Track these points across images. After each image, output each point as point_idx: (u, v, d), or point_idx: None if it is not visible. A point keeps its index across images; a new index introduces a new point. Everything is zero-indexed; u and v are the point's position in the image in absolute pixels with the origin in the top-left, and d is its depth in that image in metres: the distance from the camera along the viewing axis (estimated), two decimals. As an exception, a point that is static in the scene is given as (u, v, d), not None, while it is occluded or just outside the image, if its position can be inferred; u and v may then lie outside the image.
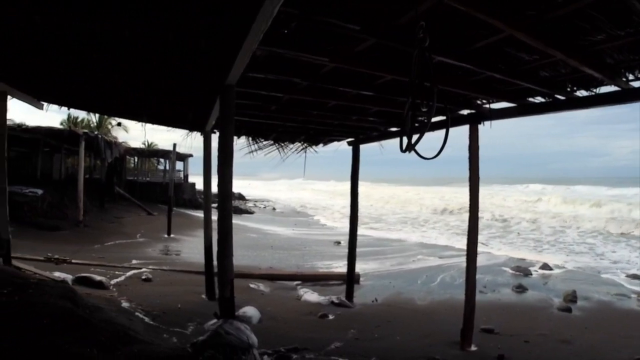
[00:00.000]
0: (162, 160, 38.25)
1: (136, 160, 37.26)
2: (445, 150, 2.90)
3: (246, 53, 3.63)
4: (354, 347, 6.03)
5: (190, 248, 15.11)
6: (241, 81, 4.62)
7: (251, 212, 33.55)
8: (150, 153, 37.14)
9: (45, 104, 7.22)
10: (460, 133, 6.27)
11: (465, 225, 6.58)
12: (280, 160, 9.95)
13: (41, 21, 3.70)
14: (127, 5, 3.32)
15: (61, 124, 30.83)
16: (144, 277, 9.33)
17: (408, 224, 27.79)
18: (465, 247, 6.50)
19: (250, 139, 9.40)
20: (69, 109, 7.72)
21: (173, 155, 23.54)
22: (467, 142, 6.32)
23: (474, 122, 6.27)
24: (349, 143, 9.56)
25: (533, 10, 3.21)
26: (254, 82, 5.19)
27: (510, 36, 3.54)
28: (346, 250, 9.89)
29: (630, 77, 4.39)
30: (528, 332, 7.19)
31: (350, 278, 9.48)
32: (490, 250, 17.28)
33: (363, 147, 9.46)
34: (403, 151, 2.85)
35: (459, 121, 6.32)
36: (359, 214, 9.83)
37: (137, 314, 6.23)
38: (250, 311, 6.79)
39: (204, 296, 8.04)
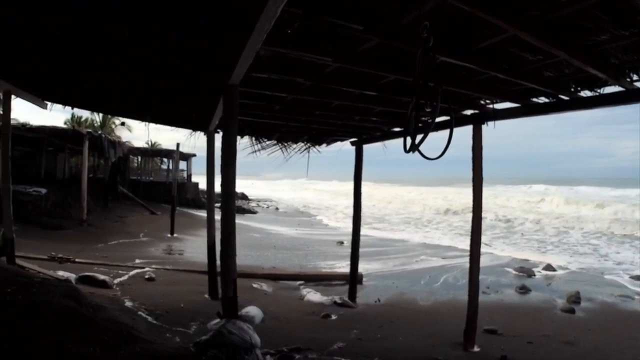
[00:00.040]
0: (165, 159, 38.32)
1: (139, 159, 37.31)
2: (449, 151, 2.89)
3: (250, 53, 3.63)
4: (356, 347, 6.03)
5: (193, 247, 15.13)
6: (245, 81, 4.63)
7: (254, 212, 33.57)
8: (153, 152, 37.19)
9: (49, 103, 7.24)
10: (464, 133, 6.26)
11: (468, 226, 6.57)
12: (283, 160, 9.97)
13: (45, 21, 3.71)
14: (131, 5, 3.32)
15: (65, 123, 30.94)
16: (147, 276, 9.35)
17: (411, 224, 27.75)
18: (468, 248, 6.49)
19: (253, 138, 9.40)
20: (72, 108, 7.76)
21: (176, 155, 23.55)
22: (470, 142, 6.30)
23: (477, 123, 6.26)
24: (352, 143, 9.56)
25: (537, 10, 3.20)
26: (258, 82, 5.20)
27: (514, 36, 3.53)
28: (349, 250, 9.88)
29: (635, 77, 4.37)
30: (531, 333, 7.17)
31: (353, 278, 9.48)
32: (494, 251, 17.24)
33: (366, 147, 9.46)
34: (407, 151, 2.85)
35: (462, 121, 6.30)
36: (362, 214, 9.83)
37: (140, 313, 6.24)
38: (253, 311, 6.79)
39: (206, 296, 8.05)
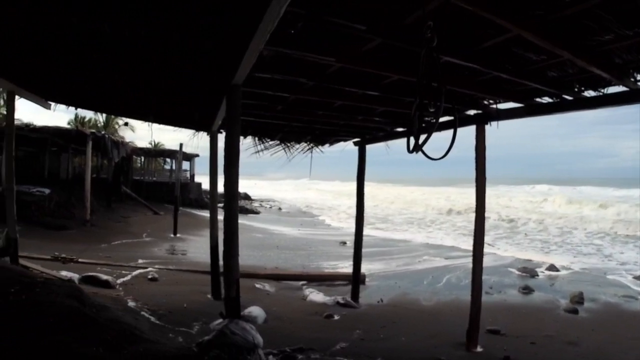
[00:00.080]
0: (168, 160, 38.41)
1: (143, 160, 37.40)
2: (452, 151, 2.89)
3: (253, 53, 3.63)
4: (359, 347, 6.02)
5: (196, 248, 15.15)
6: (248, 81, 4.63)
7: (257, 212, 33.62)
8: (156, 153, 37.28)
9: (52, 103, 7.26)
10: (467, 133, 6.25)
11: (471, 226, 6.56)
12: (286, 160, 9.97)
13: (48, 22, 3.72)
14: (133, 6, 3.33)
15: (68, 123, 31.02)
16: (150, 276, 9.37)
17: (414, 225, 27.75)
18: (471, 248, 6.48)
19: (256, 138, 9.40)
20: (76, 108, 7.76)
21: (179, 155, 23.60)
22: (473, 142, 6.29)
23: (480, 123, 6.24)
24: (355, 143, 9.55)
25: (541, 9, 3.19)
26: (261, 82, 5.20)
27: (518, 36, 3.52)
28: (352, 250, 9.88)
29: (639, 77, 4.35)
30: (534, 333, 7.16)
31: (356, 278, 9.47)
32: (497, 251, 17.24)
33: (369, 147, 9.46)
34: (410, 152, 2.84)
35: (465, 121, 6.29)
36: (364, 214, 9.82)
37: (143, 313, 6.25)
38: (255, 311, 6.79)
39: (209, 296, 8.06)
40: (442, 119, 2.84)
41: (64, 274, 7.96)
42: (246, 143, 9.24)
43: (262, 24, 3.06)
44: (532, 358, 6.13)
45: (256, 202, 45.04)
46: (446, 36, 3.30)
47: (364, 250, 9.73)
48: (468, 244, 7.13)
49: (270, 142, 9.62)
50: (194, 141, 9.50)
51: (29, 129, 19.58)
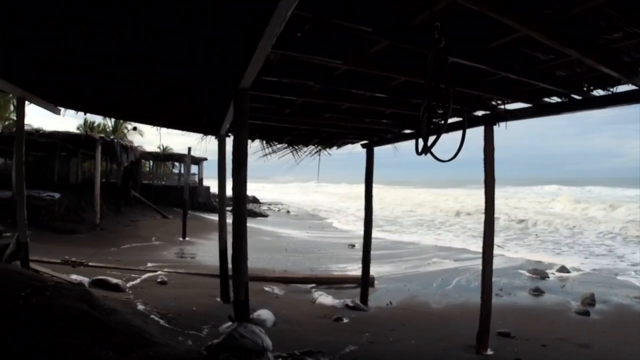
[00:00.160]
0: (177, 163, 38.51)
1: (151, 164, 37.65)
2: (460, 152, 2.87)
3: (260, 57, 3.64)
4: (368, 350, 6.01)
5: (205, 251, 15.19)
6: (255, 85, 4.64)
7: (265, 215, 33.65)
8: (165, 157, 37.47)
9: (62, 109, 7.33)
10: (475, 135, 6.22)
11: (481, 228, 6.52)
12: (294, 163, 9.99)
13: (58, 29, 3.75)
14: (142, 14, 3.35)
15: (78, 128, 31.37)
16: (159, 279, 9.39)
17: (423, 227, 27.63)
18: (481, 250, 6.44)
19: (264, 142, 9.43)
20: (85, 114, 7.83)
21: (188, 159, 23.67)
22: (481, 143, 6.26)
23: (489, 123, 6.21)
24: (363, 145, 9.54)
25: (548, 9, 3.17)
26: (268, 85, 5.20)
27: (526, 36, 3.50)
28: (360, 253, 9.85)
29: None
30: (545, 335, 7.10)
31: (365, 281, 9.44)
32: (507, 252, 17.11)
33: (376, 150, 9.44)
34: (419, 154, 2.83)
35: (474, 122, 6.26)
36: (373, 217, 9.79)
37: (152, 316, 6.27)
38: (264, 314, 6.79)
39: (218, 299, 8.07)
40: (450, 120, 2.82)
41: (74, 277, 8.01)
42: (254, 146, 9.29)
43: (268, 27, 3.07)
44: (543, 361, 6.09)
45: (264, 205, 45.08)
46: (454, 37, 3.29)
47: (372, 252, 9.70)
48: (477, 245, 7.09)
49: (278, 145, 9.64)
50: (202, 145, 9.57)
51: (38, 134, 19.78)
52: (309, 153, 10.08)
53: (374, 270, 10.26)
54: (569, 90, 4.99)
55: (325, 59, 4.17)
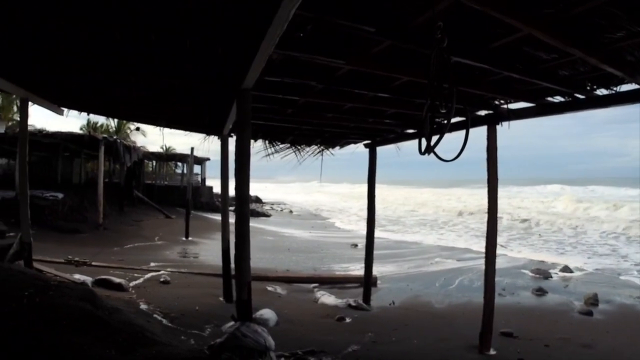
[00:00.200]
0: (179, 164, 38.56)
1: (154, 164, 37.69)
2: (463, 152, 2.87)
3: (262, 57, 3.64)
4: (371, 350, 6.00)
5: (208, 251, 15.21)
6: (257, 85, 4.64)
7: (268, 215, 33.66)
8: (168, 157, 37.48)
9: (65, 109, 7.34)
10: (478, 134, 6.20)
11: (484, 227, 6.51)
12: (296, 163, 10.00)
13: (60, 30, 3.76)
14: (144, 11, 3.35)
15: (81, 129, 31.36)
16: (162, 279, 9.41)
17: (426, 226, 27.63)
18: (484, 250, 6.43)
19: (267, 142, 9.44)
20: (88, 114, 7.84)
21: (191, 159, 23.74)
22: (484, 143, 6.25)
23: (492, 123, 6.19)
24: (366, 145, 9.53)
25: (551, 8, 3.16)
26: (270, 85, 5.21)
27: (528, 35, 3.49)
28: (363, 252, 9.85)
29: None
30: (548, 335, 7.08)
31: (368, 281, 9.44)
32: (510, 252, 17.08)
33: (379, 149, 9.44)
34: (422, 153, 2.83)
35: (476, 122, 6.24)
36: (375, 216, 9.79)
37: (155, 315, 6.28)
38: (267, 314, 6.79)
39: (221, 298, 8.07)
40: (453, 120, 2.82)
41: (77, 277, 8.01)
42: (257, 146, 9.30)
43: (271, 27, 3.07)
44: (546, 361, 6.07)
45: (267, 205, 45.12)
46: (456, 37, 3.28)
47: (375, 252, 9.71)
48: (480, 245, 7.09)
49: (281, 145, 9.65)
50: (205, 145, 9.58)
51: (42, 134, 19.81)
52: (312, 153, 10.09)
53: (376, 270, 10.27)
54: (572, 89, 4.98)
55: (327, 59, 4.17)
